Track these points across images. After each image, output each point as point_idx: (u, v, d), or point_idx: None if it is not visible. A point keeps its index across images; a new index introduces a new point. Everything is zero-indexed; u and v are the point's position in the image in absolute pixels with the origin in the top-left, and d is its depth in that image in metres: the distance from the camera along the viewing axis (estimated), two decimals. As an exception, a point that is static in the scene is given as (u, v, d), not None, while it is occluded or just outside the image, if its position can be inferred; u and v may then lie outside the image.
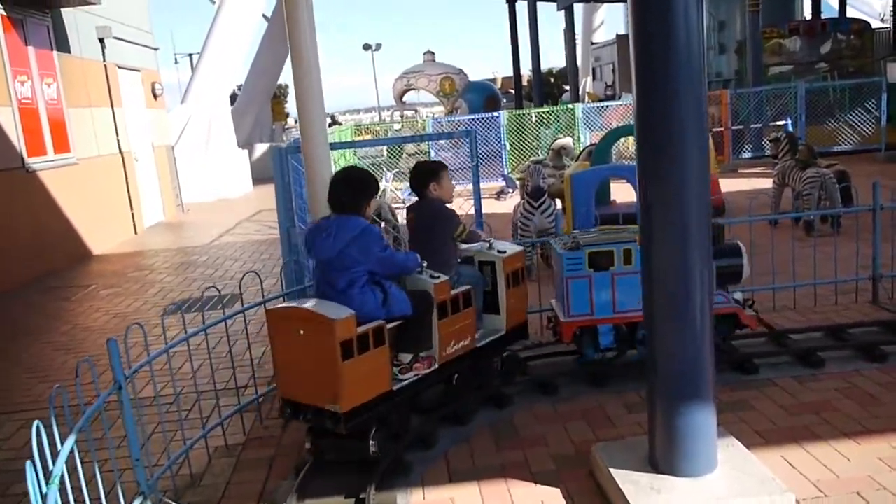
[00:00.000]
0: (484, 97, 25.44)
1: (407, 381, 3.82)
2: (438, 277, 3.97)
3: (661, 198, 3.06)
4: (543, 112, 15.57)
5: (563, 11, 22.58)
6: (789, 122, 13.98)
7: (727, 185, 12.13)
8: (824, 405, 4.10)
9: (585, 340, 4.65)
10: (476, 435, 4.14)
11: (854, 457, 3.53)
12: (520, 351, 4.92)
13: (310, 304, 3.61)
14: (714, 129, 14.74)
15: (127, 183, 13.55)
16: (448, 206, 4.42)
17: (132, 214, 13.62)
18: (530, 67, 23.31)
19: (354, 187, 3.79)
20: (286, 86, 32.27)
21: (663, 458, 3.21)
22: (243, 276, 5.28)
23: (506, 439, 4.06)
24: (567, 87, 35.30)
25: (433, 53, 21.71)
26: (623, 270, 4.50)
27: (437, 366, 3.97)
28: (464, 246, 4.51)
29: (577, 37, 33.99)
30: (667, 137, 3.00)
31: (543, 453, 3.86)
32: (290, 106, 34.87)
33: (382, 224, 8.94)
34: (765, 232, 7.53)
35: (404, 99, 25.76)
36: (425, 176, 4.43)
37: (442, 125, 15.99)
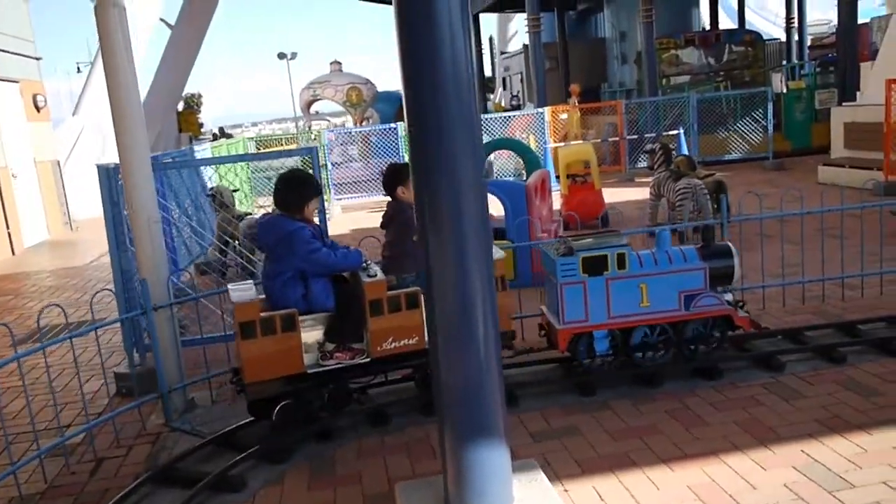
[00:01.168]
0: (396, 107, 25.26)
1: (325, 368, 4.13)
2: (375, 276, 4.18)
3: (436, 223, 2.87)
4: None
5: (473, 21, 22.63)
6: (682, 131, 14.23)
7: (622, 194, 12.26)
8: (651, 429, 4.01)
9: (581, 347, 4.56)
10: (292, 471, 3.90)
11: (664, 485, 3.43)
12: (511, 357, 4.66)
13: (234, 287, 4.21)
14: (611, 139, 14.92)
15: (2, 201, 12.79)
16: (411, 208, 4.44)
17: (8, 234, 12.87)
18: None
19: (292, 188, 4.22)
20: (200, 95, 31.38)
21: (455, 496, 3.03)
22: (92, 297, 4.90)
23: (320, 477, 3.83)
24: (499, 93, 35.48)
25: (340, 63, 21.40)
26: (617, 275, 4.48)
27: (367, 359, 4.20)
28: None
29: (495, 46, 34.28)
30: (439, 163, 2.82)
31: (355, 492, 3.65)
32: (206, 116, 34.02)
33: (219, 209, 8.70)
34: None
35: (317, 109, 25.39)
36: (394, 178, 4.63)
37: (335, 137, 15.65)
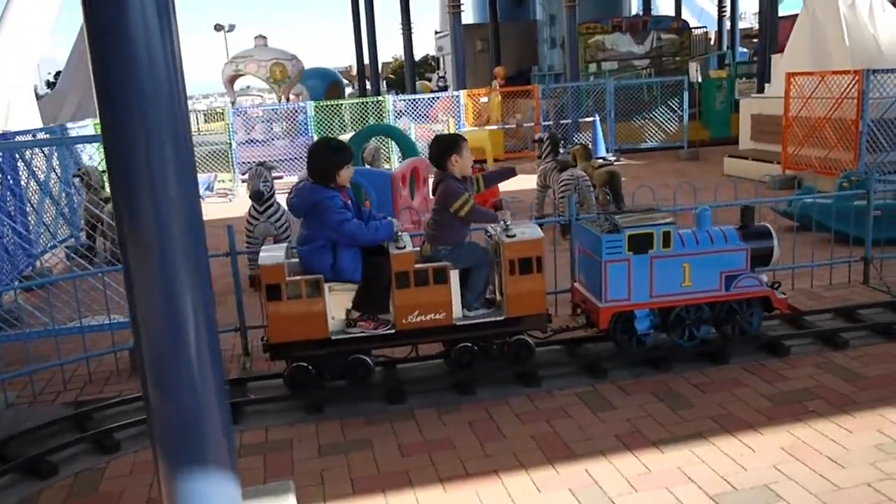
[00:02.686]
0: (326, 84, 24.68)
1: (349, 336, 4.18)
2: (403, 248, 4.17)
3: (138, 243, 2.53)
4: (355, 104, 15.03)
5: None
6: (597, 118, 14.09)
7: (528, 181, 12.04)
8: (445, 443, 3.78)
9: (620, 326, 4.50)
10: (51, 489, 3.58)
11: (430, 509, 3.21)
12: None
13: (264, 250, 4.29)
14: (526, 125, 14.71)
15: None
16: (459, 179, 4.39)
17: None
18: (396, 54, 22.92)
19: (322, 156, 4.21)
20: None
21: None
22: None
23: (80, 495, 3.52)
24: (436, 75, 34.95)
25: (265, 38, 20.71)
26: (662, 254, 4.41)
27: (392, 329, 4.22)
28: (489, 225, 4.55)
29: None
30: (138, 177, 2.48)
31: (107, 515, 3.36)
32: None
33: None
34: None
35: (248, 84, 24.66)
36: (445, 149, 4.42)
37: (243, 114, 15.13)
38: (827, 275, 5.97)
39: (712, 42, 24.61)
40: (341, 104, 15.05)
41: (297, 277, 4.07)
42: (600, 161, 9.47)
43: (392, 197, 6.69)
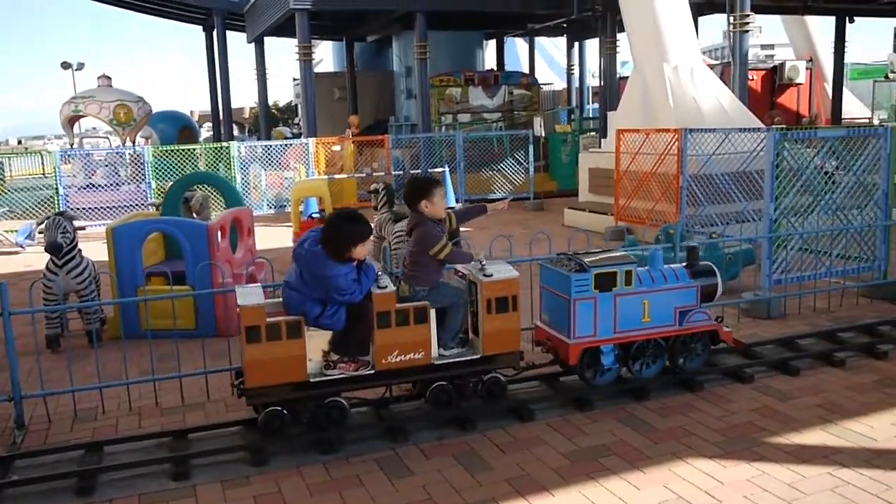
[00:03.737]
0: (177, 128, 23.79)
1: (328, 378, 4.12)
2: (385, 287, 4.17)
3: None
4: (195, 149, 14.48)
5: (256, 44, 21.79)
6: (447, 169, 14.26)
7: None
8: (222, 522, 3.47)
9: (587, 362, 4.67)
10: None
11: None
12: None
13: (243, 289, 4.20)
14: (376, 174, 14.67)
15: None
16: (435, 223, 4.50)
17: None
18: (256, 100, 22.31)
19: (337, 231, 4.11)
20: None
21: None
22: None
23: None
24: (297, 121, 34.49)
25: (109, 78, 19.70)
26: (624, 291, 4.65)
27: (371, 371, 4.19)
28: (460, 266, 4.65)
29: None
30: None
31: None
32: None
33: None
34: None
35: (92, 126, 23.31)
36: (417, 193, 4.52)
37: (69, 158, 14.22)
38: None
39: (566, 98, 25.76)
40: (183, 149, 14.41)
41: (278, 319, 4.00)
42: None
43: (208, 249, 6.32)
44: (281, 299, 4.27)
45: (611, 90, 17.34)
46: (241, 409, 4.76)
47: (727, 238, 7.63)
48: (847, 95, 24.36)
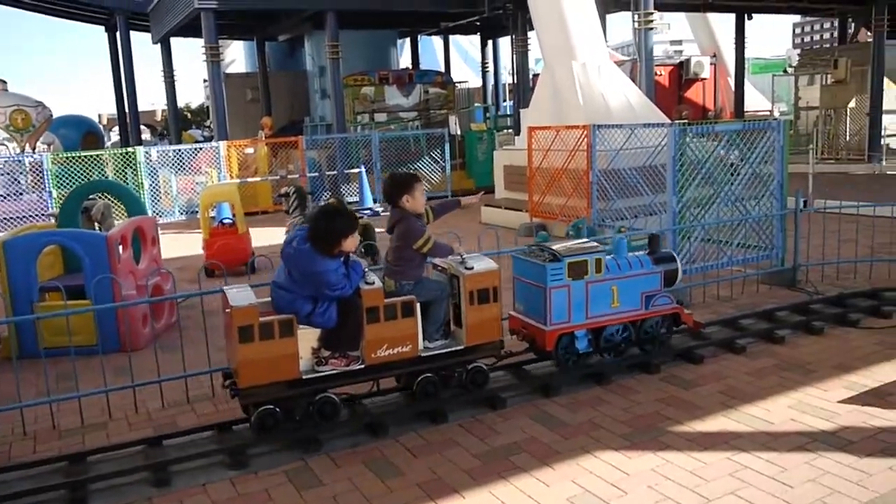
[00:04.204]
0: (81, 133, 22.85)
1: (320, 374, 4.18)
2: (372, 283, 4.26)
3: None
4: (100, 155, 13.91)
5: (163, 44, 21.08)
6: (363, 169, 14.16)
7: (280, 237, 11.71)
8: (120, 549, 3.32)
9: (563, 346, 4.88)
10: None
11: None
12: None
13: (233, 290, 4.16)
14: (290, 176, 14.44)
15: None
16: (416, 217, 4.60)
17: None
18: (166, 102, 21.62)
19: (324, 226, 4.16)
20: None
21: None
22: None
23: None
24: (208, 124, 33.57)
25: (4, 82, 18.79)
26: (595, 279, 4.90)
27: (362, 365, 4.27)
28: (441, 260, 4.72)
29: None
30: None
31: None
32: None
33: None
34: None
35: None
36: (398, 188, 4.60)
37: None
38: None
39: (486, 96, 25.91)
40: (86, 156, 13.81)
41: (270, 318, 4.02)
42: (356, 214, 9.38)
43: (108, 260, 6.07)
44: (269, 299, 4.28)
45: (523, 88, 17.56)
46: (147, 427, 4.60)
47: (635, 231, 7.82)
48: (749, 89, 25.41)
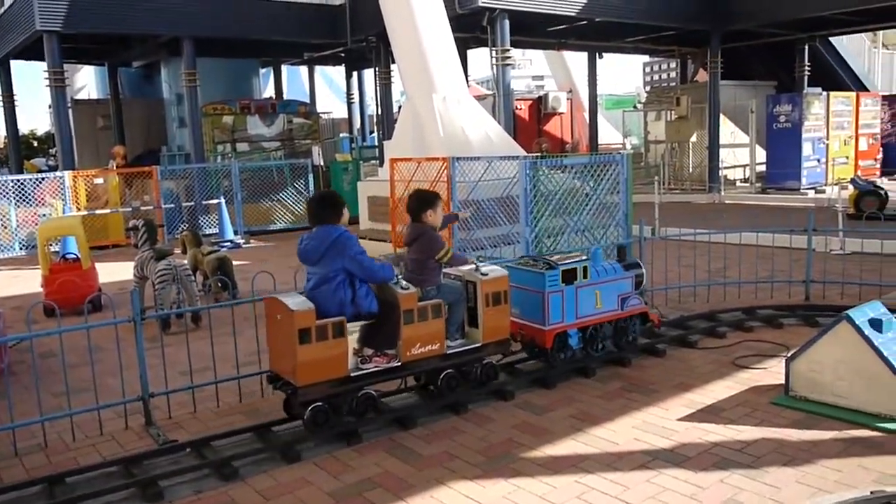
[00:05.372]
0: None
1: (365, 371, 4.62)
2: (408, 289, 4.71)
3: None
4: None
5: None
6: (223, 201, 13.73)
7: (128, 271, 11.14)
8: None
9: (558, 344, 5.56)
10: None
11: None
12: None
13: (285, 297, 4.50)
14: (144, 207, 13.77)
15: None
16: (435, 231, 5.19)
17: None
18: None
19: (327, 204, 4.74)
20: None
21: None
22: None
23: None
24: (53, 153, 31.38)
25: None
26: (583, 283, 5.63)
27: (399, 362, 4.72)
28: (454, 268, 5.25)
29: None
30: None
31: None
32: None
33: None
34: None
35: None
36: (423, 204, 5.17)
37: None
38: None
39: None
40: None
41: (325, 321, 4.39)
42: (209, 248, 9.06)
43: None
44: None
45: (388, 119, 17.68)
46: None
47: (500, 260, 8.02)
48: (603, 123, 26.80)
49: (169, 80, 19.97)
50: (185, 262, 8.06)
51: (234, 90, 19.85)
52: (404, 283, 4.77)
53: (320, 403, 4.47)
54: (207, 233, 13.94)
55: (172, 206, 13.99)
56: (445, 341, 4.94)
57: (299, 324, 4.29)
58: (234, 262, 9.20)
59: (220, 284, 8.39)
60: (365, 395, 4.69)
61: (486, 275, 5.11)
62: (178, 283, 7.46)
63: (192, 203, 14.10)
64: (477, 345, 5.08)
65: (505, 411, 5.03)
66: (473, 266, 5.23)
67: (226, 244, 13.11)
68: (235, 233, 13.91)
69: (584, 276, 5.63)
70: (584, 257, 5.87)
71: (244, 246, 13.66)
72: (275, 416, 4.87)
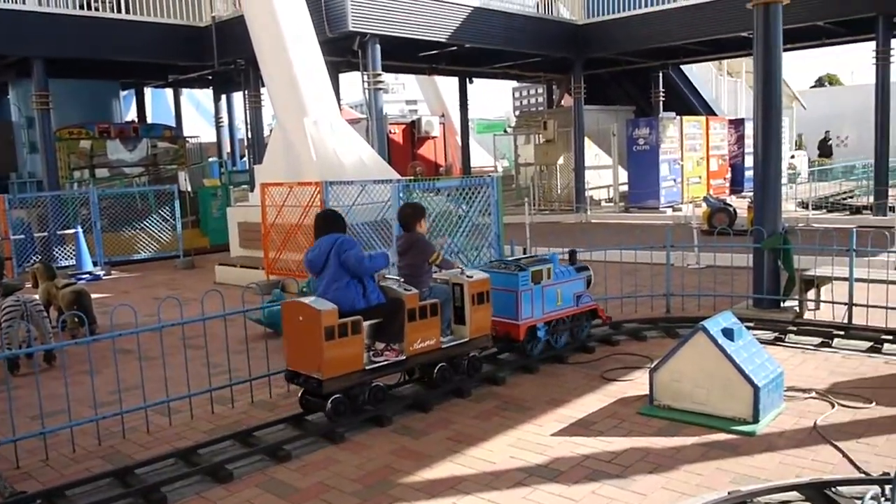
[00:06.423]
0: None
1: (377, 364, 5.24)
2: (410, 290, 5.39)
3: None
4: None
5: None
6: (80, 230, 12.91)
7: None
8: None
9: (529, 336, 6.27)
10: None
11: None
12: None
13: (309, 300, 5.02)
14: (-9, 239, 12.75)
15: None
16: (426, 238, 6.12)
17: None
18: None
19: (330, 220, 5.51)
20: None
21: None
22: None
23: None
24: None
25: None
26: (548, 283, 6.35)
27: (403, 356, 5.34)
28: (442, 272, 5.93)
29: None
30: None
31: None
32: None
33: None
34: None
35: None
36: (416, 215, 6.02)
37: None
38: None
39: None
40: None
41: (345, 319, 4.88)
42: (64, 281, 8.48)
43: None
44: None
45: (258, 143, 17.28)
46: None
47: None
48: (475, 147, 27.37)
49: (18, 103, 18.70)
50: (37, 296, 7.51)
51: (92, 113, 18.81)
52: (405, 285, 5.39)
53: (339, 395, 4.93)
54: (63, 265, 13.09)
55: (23, 236, 13.01)
56: (440, 337, 5.53)
57: (326, 322, 4.77)
58: (94, 296, 8.68)
59: (76, 319, 7.85)
60: (375, 388, 5.21)
61: (472, 277, 5.80)
62: (28, 319, 6.93)
63: (46, 233, 13.19)
64: (465, 340, 5.71)
65: (382, 437, 4.97)
66: (459, 270, 5.98)
67: (84, 276, 12.34)
68: (95, 264, 13.11)
69: (549, 277, 6.34)
70: (548, 260, 6.60)
71: (104, 278, 12.90)
72: (140, 457, 4.59)
